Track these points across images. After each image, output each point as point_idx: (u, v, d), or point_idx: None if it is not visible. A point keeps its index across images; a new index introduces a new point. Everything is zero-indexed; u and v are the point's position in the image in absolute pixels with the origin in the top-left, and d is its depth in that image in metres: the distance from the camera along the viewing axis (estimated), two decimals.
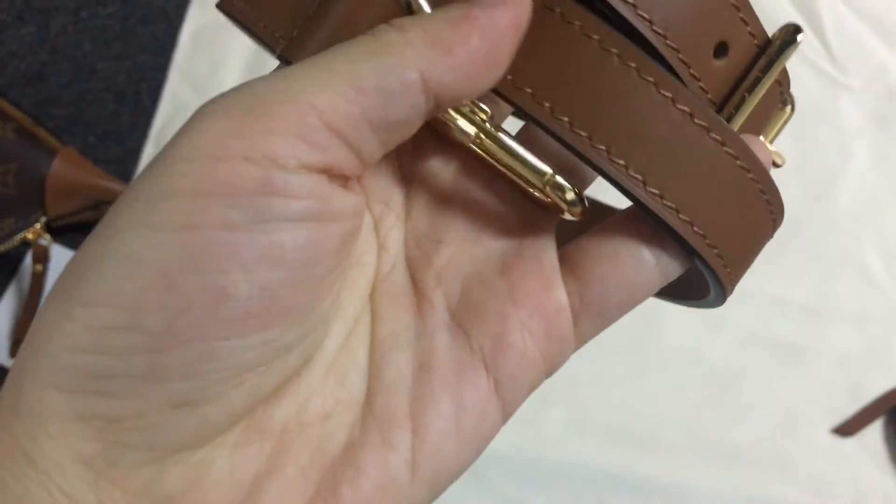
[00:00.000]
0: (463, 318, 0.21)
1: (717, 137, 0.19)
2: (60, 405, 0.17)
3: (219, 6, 0.22)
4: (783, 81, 0.22)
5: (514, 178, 0.21)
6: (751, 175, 0.20)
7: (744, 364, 0.59)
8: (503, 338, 0.21)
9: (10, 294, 0.58)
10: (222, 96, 0.17)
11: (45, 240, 0.56)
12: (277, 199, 0.17)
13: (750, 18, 0.20)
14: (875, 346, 0.60)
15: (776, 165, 0.22)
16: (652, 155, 0.19)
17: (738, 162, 0.20)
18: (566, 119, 0.19)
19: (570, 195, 0.20)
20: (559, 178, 0.20)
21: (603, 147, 0.19)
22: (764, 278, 0.61)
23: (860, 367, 0.60)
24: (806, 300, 0.60)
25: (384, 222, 0.22)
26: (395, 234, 0.22)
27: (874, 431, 0.59)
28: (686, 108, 0.19)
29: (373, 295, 0.22)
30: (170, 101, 0.63)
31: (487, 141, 0.20)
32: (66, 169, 0.56)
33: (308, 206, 0.17)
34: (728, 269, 0.21)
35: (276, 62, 0.21)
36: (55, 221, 0.57)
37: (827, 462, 0.58)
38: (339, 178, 0.18)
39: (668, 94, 0.19)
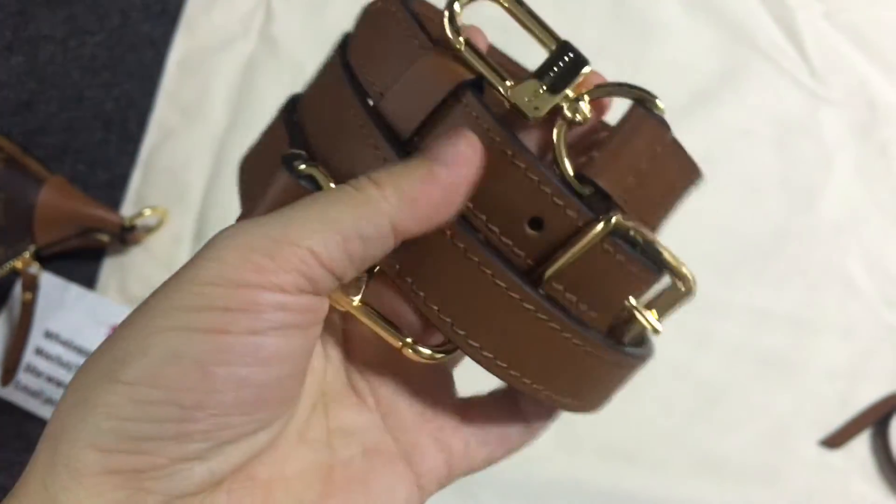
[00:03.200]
0: (390, 423, 0.27)
1: (516, 295, 0.24)
2: (95, 463, 0.21)
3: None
4: (631, 263, 0.25)
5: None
6: (544, 318, 0.25)
7: (730, 378, 0.59)
8: (417, 448, 0.27)
9: (1, 322, 0.58)
10: (241, 231, 0.22)
11: (34, 268, 0.56)
12: (287, 314, 0.22)
13: (566, 202, 0.24)
14: (861, 358, 0.60)
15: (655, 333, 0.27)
16: (474, 315, 0.25)
17: (538, 314, 0.24)
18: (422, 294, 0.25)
19: (422, 358, 0.26)
20: (418, 348, 0.26)
21: (445, 315, 0.25)
22: (749, 291, 0.61)
23: (847, 378, 0.60)
24: (791, 313, 0.61)
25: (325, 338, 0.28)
26: (336, 352, 0.28)
27: (862, 443, 0.59)
28: (501, 282, 0.24)
29: (324, 393, 0.27)
30: (157, 128, 0.64)
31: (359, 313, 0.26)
32: (54, 198, 0.56)
33: (305, 316, 0.23)
34: (527, 381, 0.26)
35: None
36: (44, 250, 0.57)
37: (815, 474, 0.58)
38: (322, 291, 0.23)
39: (489, 271, 0.24)
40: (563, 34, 0.26)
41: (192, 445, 0.22)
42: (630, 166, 0.25)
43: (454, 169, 0.23)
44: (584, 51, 0.26)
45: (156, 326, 0.21)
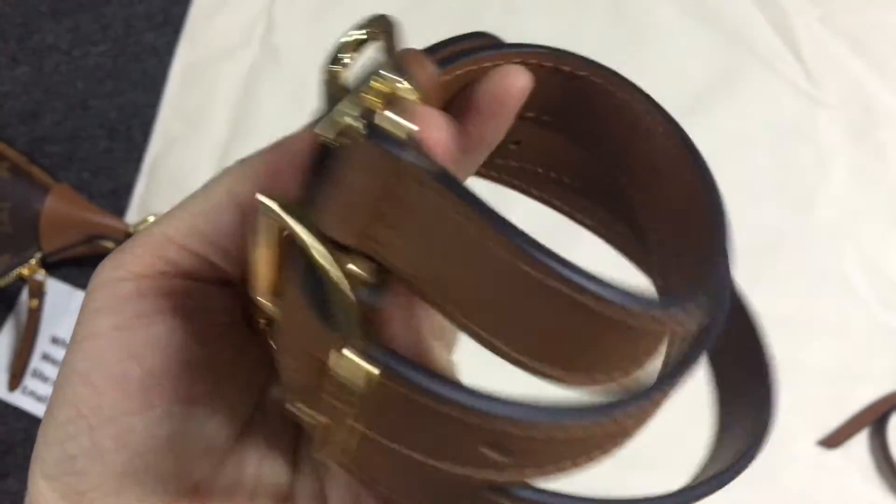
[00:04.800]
0: None
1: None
2: (48, 491, 0.22)
3: None
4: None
5: None
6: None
7: None
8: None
9: (8, 329, 0.59)
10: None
11: (41, 275, 0.57)
12: (148, 300, 0.22)
13: None
14: (858, 358, 0.61)
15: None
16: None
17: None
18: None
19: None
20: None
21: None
22: (746, 293, 0.62)
23: (844, 379, 0.60)
24: (788, 315, 0.61)
25: None
26: None
27: (859, 443, 0.59)
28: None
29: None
30: (161, 136, 0.65)
31: None
32: (59, 205, 0.57)
33: (169, 300, 0.22)
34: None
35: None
36: (50, 256, 0.58)
37: (813, 474, 0.58)
38: (207, 279, 0.23)
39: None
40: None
41: (109, 457, 0.22)
42: (354, 208, 0.18)
43: (292, 142, 0.22)
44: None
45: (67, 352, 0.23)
